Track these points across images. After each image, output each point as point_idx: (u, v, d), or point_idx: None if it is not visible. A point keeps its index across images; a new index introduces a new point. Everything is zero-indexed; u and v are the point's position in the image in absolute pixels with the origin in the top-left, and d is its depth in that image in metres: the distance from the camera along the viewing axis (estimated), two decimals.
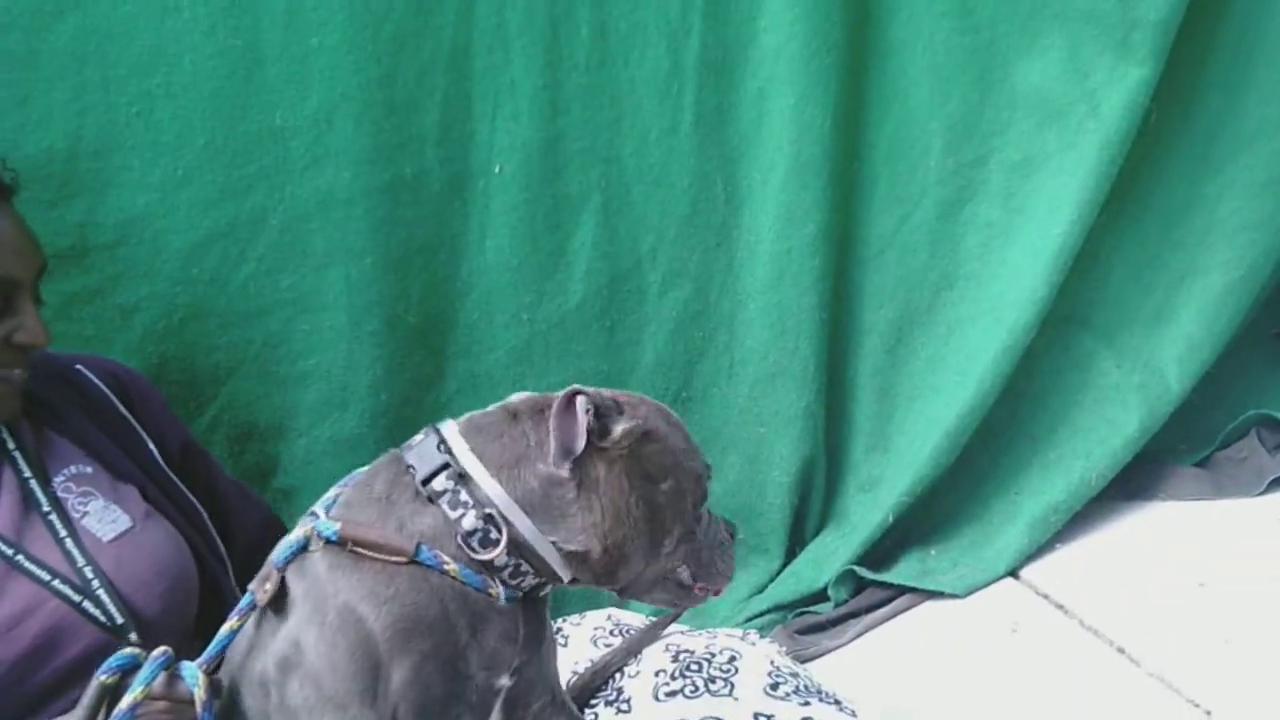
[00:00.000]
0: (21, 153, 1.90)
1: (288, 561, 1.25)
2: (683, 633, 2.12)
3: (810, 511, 2.57)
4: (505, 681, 1.31)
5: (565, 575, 1.28)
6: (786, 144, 2.29)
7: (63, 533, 1.59)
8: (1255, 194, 2.54)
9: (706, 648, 1.99)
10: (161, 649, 1.29)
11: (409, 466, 1.27)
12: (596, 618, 2.24)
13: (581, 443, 1.22)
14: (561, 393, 1.24)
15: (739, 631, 2.20)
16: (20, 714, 1.53)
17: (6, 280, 1.48)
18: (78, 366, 1.75)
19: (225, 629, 1.30)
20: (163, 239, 2.02)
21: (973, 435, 2.46)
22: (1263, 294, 2.70)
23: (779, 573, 2.54)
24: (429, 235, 2.17)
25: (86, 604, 1.56)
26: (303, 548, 1.24)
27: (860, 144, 2.38)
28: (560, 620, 2.25)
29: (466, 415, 1.33)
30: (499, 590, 1.25)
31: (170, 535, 1.68)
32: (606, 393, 1.32)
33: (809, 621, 2.43)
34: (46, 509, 1.60)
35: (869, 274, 2.46)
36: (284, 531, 1.85)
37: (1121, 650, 2.23)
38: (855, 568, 2.46)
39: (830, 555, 2.50)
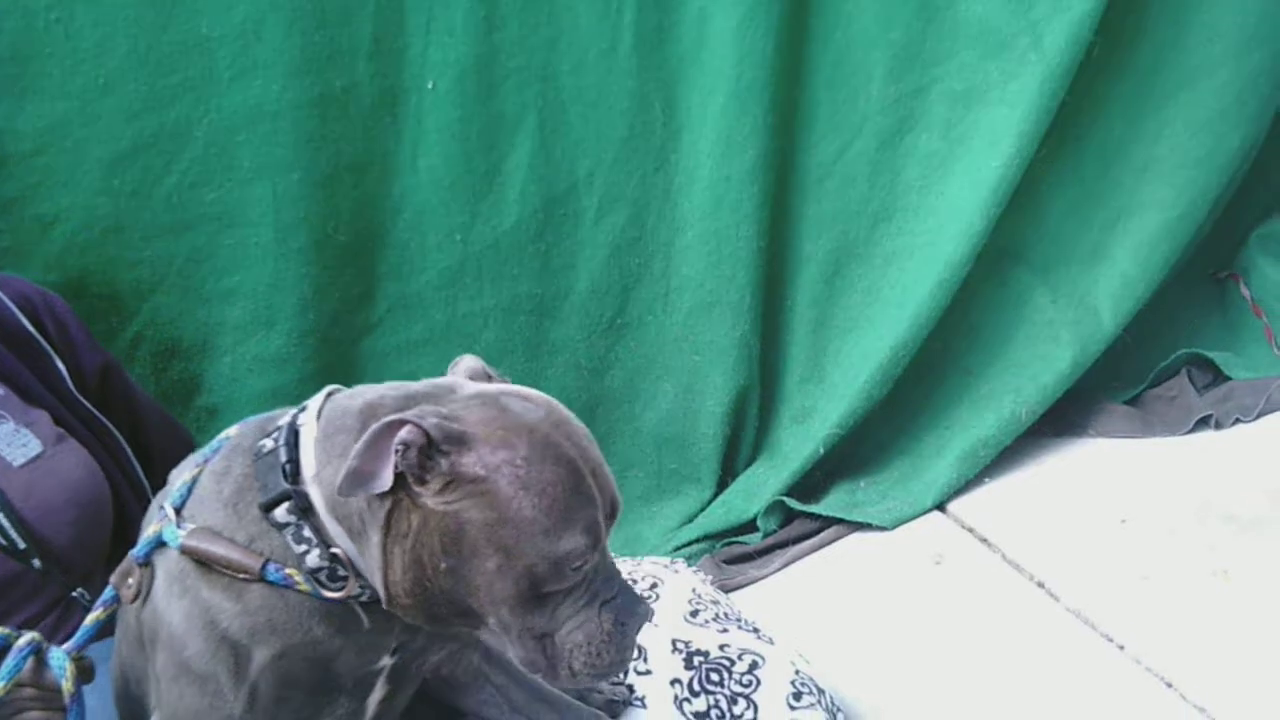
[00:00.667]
0: None
1: (147, 557, 1.21)
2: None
3: (743, 442, 2.57)
4: (386, 661, 1.27)
5: (395, 612, 1.17)
6: (727, 67, 2.25)
7: None
8: (1194, 132, 2.54)
9: (629, 574, 2.01)
10: (28, 637, 1.26)
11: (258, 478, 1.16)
12: None
13: (378, 485, 1.05)
14: (389, 417, 1.04)
15: (665, 560, 2.22)
16: None
17: None
18: None
19: (91, 619, 1.28)
20: (84, 149, 1.96)
21: (906, 368, 2.46)
22: (1199, 234, 2.71)
23: (709, 502, 2.55)
24: (359, 152, 2.12)
25: None
26: (159, 543, 1.20)
27: (802, 70, 2.34)
28: None
29: (333, 400, 1.19)
30: (364, 611, 1.18)
31: (83, 460, 1.64)
32: (471, 419, 1.08)
33: (736, 551, 2.44)
34: None
35: (808, 203, 2.44)
36: None
37: (1041, 585, 2.26)
38: (785, 499, 2.47)
39: (761, 486, 2.51)
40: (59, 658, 1.26)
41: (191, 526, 1.17)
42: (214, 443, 1.26)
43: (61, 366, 1.71)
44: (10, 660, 1.23)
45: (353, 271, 2.19)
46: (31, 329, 1.69)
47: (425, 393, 1.16)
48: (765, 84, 2.27)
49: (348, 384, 2.21)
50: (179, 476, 1.24)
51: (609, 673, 1.16)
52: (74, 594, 1.63)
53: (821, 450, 2.47)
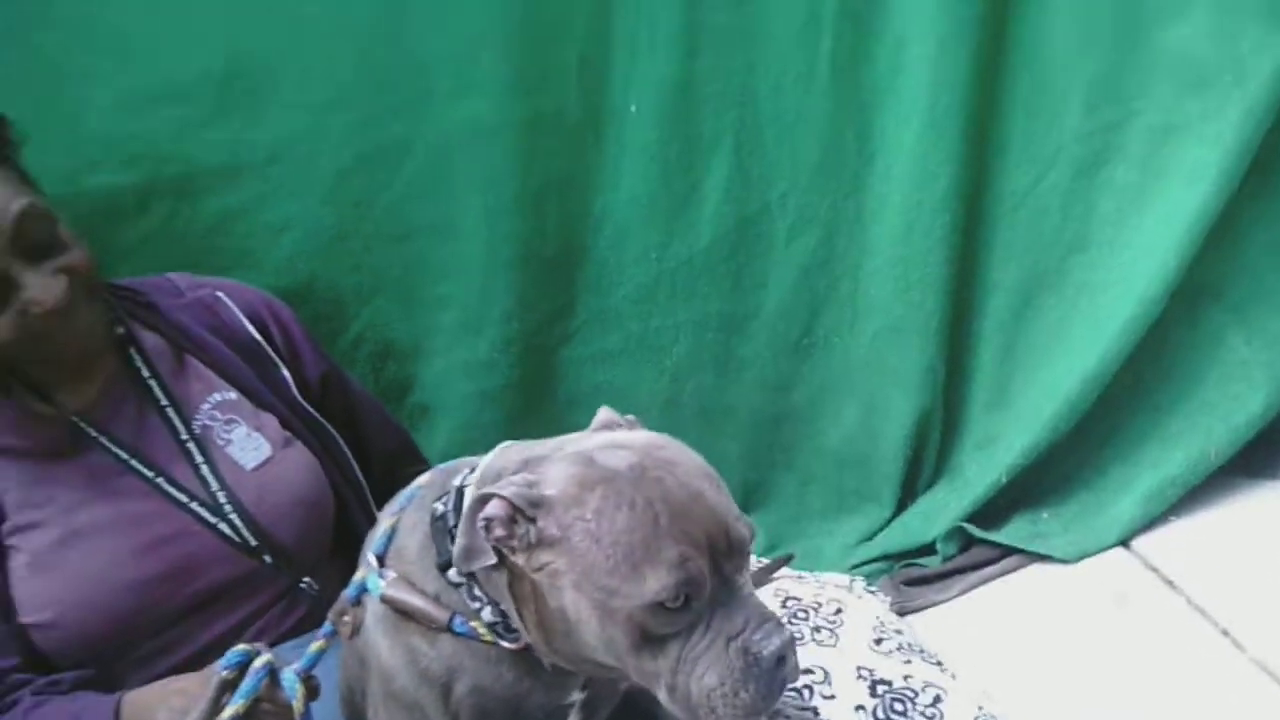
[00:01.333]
0: (178, 70, 2.04)
1: (356, 599, 1.33)
2: (793, 579, 2.17)
3: (924, 465, 2.58)
4: (576, 696, 1.34)
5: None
6: (924, 95, 2.27)
7: (199, 459, 1.69)
8: None
9: (814, 597, 2.05)
10: (263, 659, 1.37)
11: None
12: None
13: (483, 559, 1.11)
14: (482, 491, 1.11)
15: (846, 580, 2.25)
16: (163, 628, 1.65)
17: None
18: (219, 295, 1.83)
19: (314, 647, 1.39)
20: (312, 160, 2.12)
21: (1094, 402, 2.42)
22: None
23: (888, 522, 2.57)
24: (566, 169, 2.23)
25: (223, 527, 1.66)
26: (364, 590, 1.32)
27: (998, 98, 2.34)
28: None
29: (486, 463, 1.23)
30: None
31: (308, 463, 1.77)
32: (555, 478, 1.11)
33: (915, 574, 2.45)
34: (184, 437, 1.70)
35: (999, 232, 2.43)
36: (419, 457, 1.96)
37: (1226, 633, 2.18)
38: (965, 524, 2.46)
39: (941, 510, 2.51)
40: (290, 679, 1.38)
41: (391, 576, 1.29)
42: (409, 489, 1.37)
43: (286, 373, 1.84)
44: (249, 680, 1.35)
45: (555, 284, 2.30)
46: (258, 337, 1.83)
47: (543, 455, 1.17)
48: (960, 111, 2.28)
49: (546, 391, 2.35)
50: (382, 521, 1.35)
51: (759, 710, 1.10)
52: (301, 585, 1.75)
53: (1004, 478, 2.45)
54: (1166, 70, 2.32)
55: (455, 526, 1.18)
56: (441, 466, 1.36)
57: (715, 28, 2.19)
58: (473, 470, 1.24)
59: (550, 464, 1.14)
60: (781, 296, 2.40)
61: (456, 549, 1.12)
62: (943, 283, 2.40)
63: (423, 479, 1.37)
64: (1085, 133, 2.35)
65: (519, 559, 1.12)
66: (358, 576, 1.34)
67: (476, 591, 1.21)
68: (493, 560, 1.11)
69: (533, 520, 1.10)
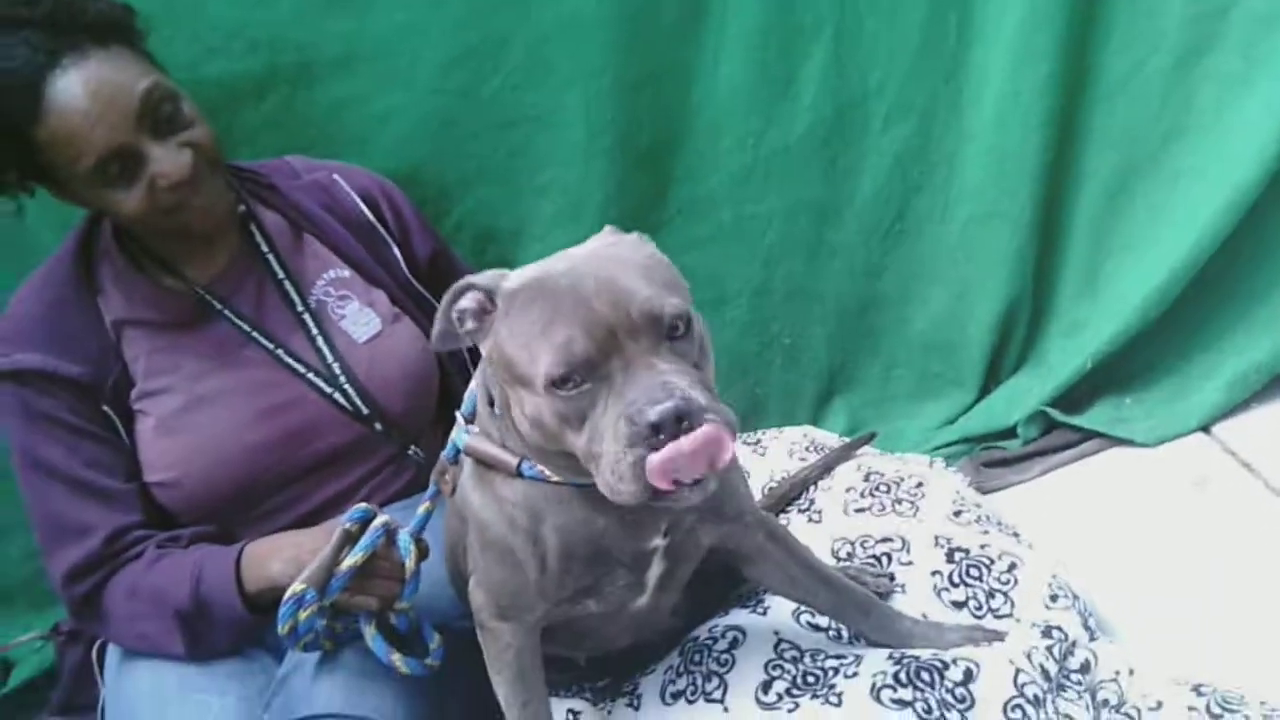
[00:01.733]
0: None
1: (454, 459, 1.44)
2: (876, 456, 2.25)
3: (1009, 350, 2.62)
4: (658, 542, 1.43)
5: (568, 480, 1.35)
6: None
7: (314, 331, 1.79)
8: None
9: (896, 471, 2.13)
10: (383, 519, 1.49)
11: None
12: (793, 433, 2.40)
13: (449, 336, 1.27)
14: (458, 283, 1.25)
15: (927, 459, 2.32)
16: (280, 488, 1.78)
17: (113, 151, 1.54)
18: (335, 177, 1.92)
19: (422, 509, 1.52)
20: (419, 53, 2.17)
21: (1184, 289, 2.43)
22: None
23: (971, 406, 2.63)
24: (664, 59, 2.25)
25: (337, 396, 1.77)
26: (456, 448, 1.42)
27: None
28: (760, 432, 2.41)
29: None
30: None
31: (415, 337, 1.87)
32: (509, 285, 1.23)
33: (996, 456, 2.51)
34: (300, 309, 1.80)
35: (1097, 118, 2.41)
36: None
37: None
38: (1047, 409, 2.51)
39: (1024, 394, 2.56)
40: (405, 539, 1.52)
41: (475, 431, 1.39)
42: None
43: (397, 252, 1.93)
44: (368, 536, 1.48)
45: (651, 172, 2.34)
46: (371, 217, 1.92)
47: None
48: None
49: None
50: (471, 386, 1.45)
51: (658, 475, 1.12)
52: (409, 452, 1.87)
53: (1089, 365, 2.49)
54: None
55: None
56: None
57: None
58: None
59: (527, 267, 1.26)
60: (875, 184, 2.43)
61: (433, 333, 1.26)
62: (1038, 170, 2.41)
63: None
64: (1188, 19, 2.31)
65: (484, 347, 1.25)
66: (453, 436, 1.44)
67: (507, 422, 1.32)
68: (464, 345, 1.25)
69: (494, 308, 1.24)
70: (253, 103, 2.13)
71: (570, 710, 1.78)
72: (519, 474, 1.34)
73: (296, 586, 1.46)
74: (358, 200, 1.92)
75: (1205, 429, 2.49)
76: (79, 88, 1.50)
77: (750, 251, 2.44)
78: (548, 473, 1.33)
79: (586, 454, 1.18)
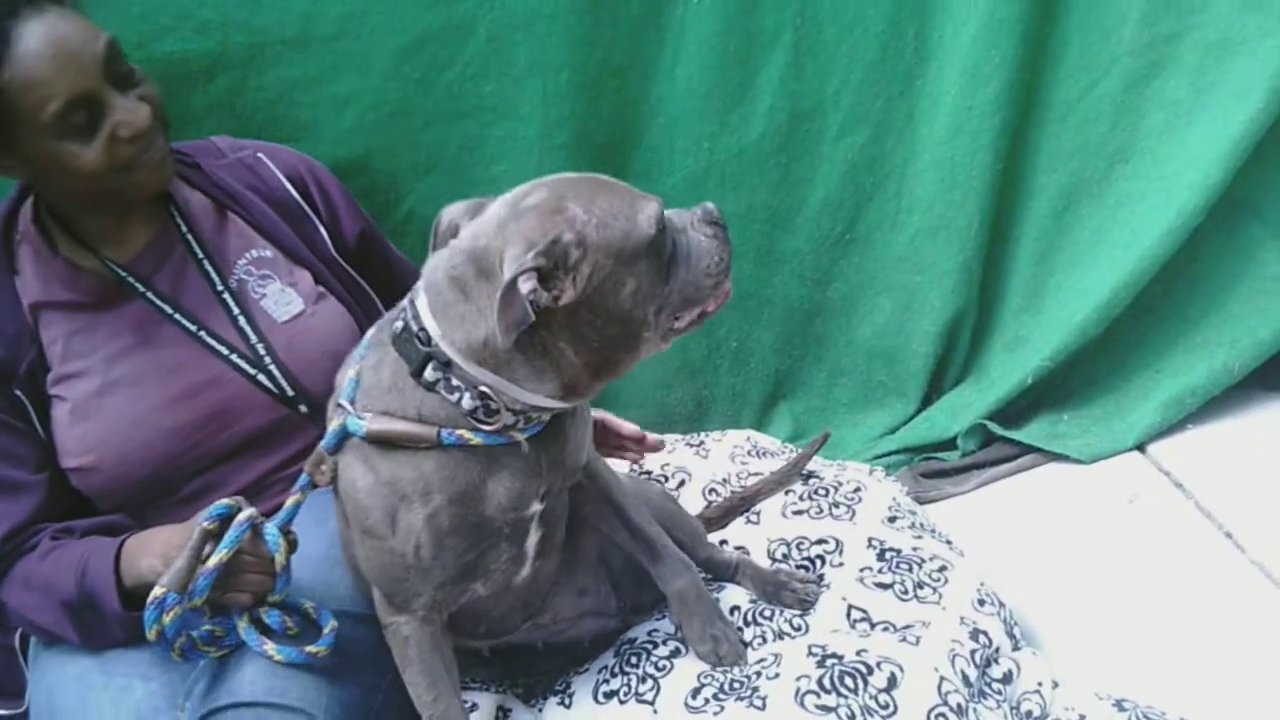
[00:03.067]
0: None
1: (335, 449, 1.42)
2: (817, 462, 2.27)
3: (953, 362, 2.66)
4: (536, 508, 1.47)
5: (570, 405, 1.40)
6: (983, 0, 2.29)
7: (236, 311, 1.76)
8: None
9: (835, 477, 2.15)
10: (247, 513, 1.46)
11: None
12: (736, 436, 2.41)
13: (524, 324, 1.25)
14: (506, 279, 1.24)
15: (867, 467, 2.34)
16: (197, 474, 1.74)
17: (77, 97, 1.53)
18: (260, 155, 1.89)
19: (291, 501, 1.49)
20: (378, 36, 2.15)
21: (1123, 310, 2.48)
22: None
23: (913, 417, 2.66)
24: (624, 57, 2.26)
25: (260, 377, 1.74)
26: (345, 434, 1.40)
27: (1056, 6, 2.36)
28: (703, 434, 2.42)
29: (426, 275, 1.38)
30: (521, 435, 1.39)
31: (339, 316, 1.84)
32: (536, 230, 1.29)
33: (934, 467, 2.55)
34: (221, 289, 1.77)
35: (1047, 138, 2.46)
36: None
37: (1229, 535, 2.27)
38: (987, 422, 2.55)
39: (965, 407, 2.60)
40: (273, 533, 1.48)
41: (370, 414, 1.38)
42: (361, 344, 1.46)
43: (323, 231, 1.90)
44: (232, 532, 1.44)
45: (606, 169, 2.23)
46: (297, 196, 1.89)
47: (485, 244, 1.32)
48: (1019, 18, 2.30)
49: None
50: (343, 376, 1.45)
51: (728, 263, 1.42)
52: None
53: (1030, 379, 2.54)
54: None
55: (420, 330, 1.34)
56: (379, 320, 1.48)
57: None
58: (415, 290, 1.39)
59: (510, 233, 1.31)
60: (827, 192, 2.45)
61: (501, 330, 1.25)
62: (986, 185, 2.45)
63: (367, 336, 1.47)
64: (1141, 44, 2.37)
65: (569, 296, 1.29)
66: (333, 425, 1.42)
67: (454, 381, 1.33)
68: (531, 319, 1.25)
69: (555, 266, 1.28)
70: (202, 84, 2.11)
71: (501, 707, 1.78)
72: (439, 442, 1.35)
73: (157, 590, 1.43)
74: (283, 179, 1.89)
75: (1140, 448, 2.54)
76: (42, 35, 1.50)
77: None
78: (468, 435, 1.34)
79: (685, 286, 1.38)
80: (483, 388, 1.33)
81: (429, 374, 1.34)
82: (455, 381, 1.33)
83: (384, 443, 1.37)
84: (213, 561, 1.43)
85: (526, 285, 1.24)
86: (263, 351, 1.76)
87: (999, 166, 2.44)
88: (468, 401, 1.33)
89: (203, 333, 1.74)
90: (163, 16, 2.05)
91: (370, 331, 1.47)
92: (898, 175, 2.47)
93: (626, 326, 1.35)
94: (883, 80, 2.36)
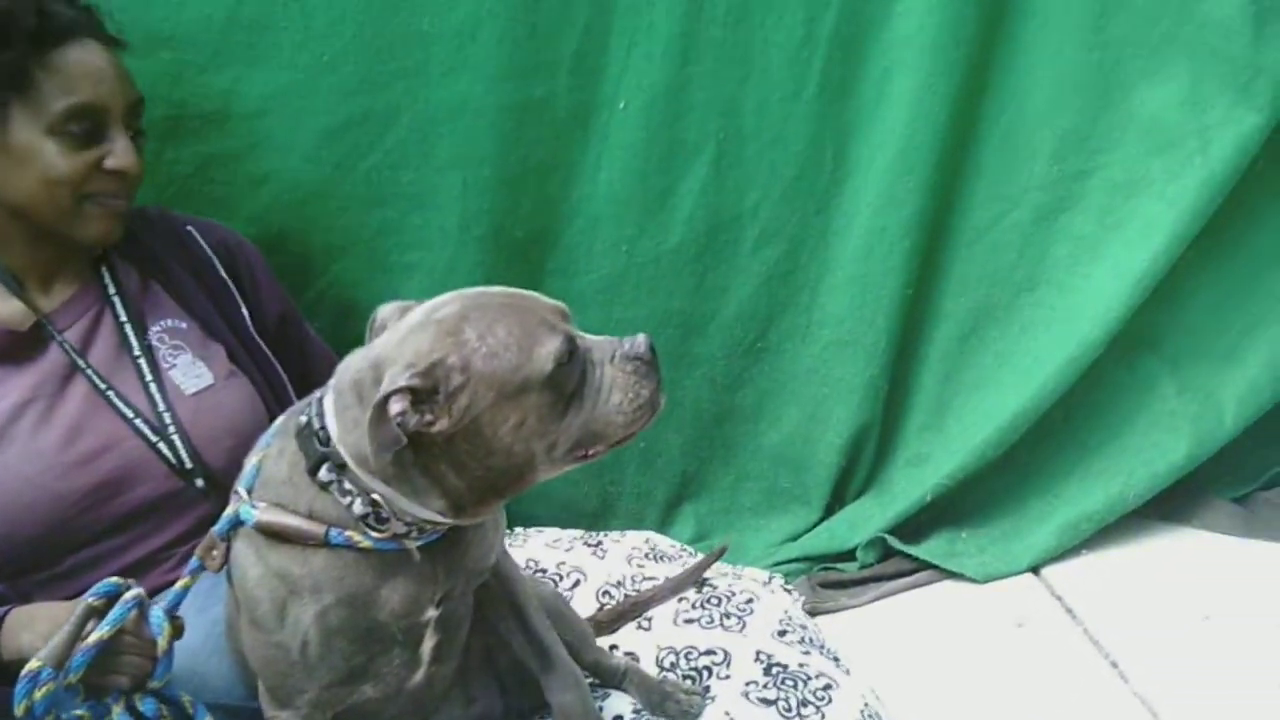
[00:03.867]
0: (182, 15, 2.04)
1: (227, 535, 1.39)
2: (713, 571, 2.27)
3: (856, 475, 2.69)
4: (431, 614, 1.43)
5: (463, 523, 1.36)
6: (900, 126, 2.35)
7: (149, 377, 1.74)
8: None
9: (729, 586, 2.14)
10: (134, 592, 1.42)
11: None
12: (635, 538, 2.40)
13: (395, 446, 1.21)
14: (376, 398, 1.20)
15: (765, 575, 2.35)
16: (84, 545, 1.69)
17: (94, 107, 1.63)
18: (189, 228, 1.90)
19: (180, 585, 1.45)
20: (301, 118, 2.14)
21: (1023, 434, 2.54)
22: None
23: (815, 525, 2.68)
24: (547, 156, 2.27)
25: (161, 445, 1.72)
26: (238, 521, 1.37)
27: (971, 138, 2.43)
28: (602, 534, 2.41)
29: (337, 374, 1.33)
30: (414, 544, 1.34)
31: (248, 396, 1.82)
32: (424, 348, 1.24)
33: (832, 577, 2.56)
34: (137, 353, 1.75)
35: (956, 263, 2.53)
36: None
37: (1115, 665, 2.32)
38: (887, 536, 2.58)
39: (866, 519, 2.62)
40: (158, 615, 1.44)
41: (263, 505, 1.35)
42: (270, 430, 1.43)
43: (244, 310, 1.89)
44: (117, 609, 1.40)
45: (523, 265, 2.34)
46: (223, 272, 1.89)
47: (384, 354, 1.29)
48: (934, 146, 2.37)
49: None
50: (248, 461, 1.41)
51: (658, 398, 1.33)
52: None
53: (929, 497, 2.58)
54: (1136, 130, 2.43)
55: (321, 429, 1.30)
56: (292, 407, 1.44)
57: (712, 39, 2.24)
58: (327, 387, 1.35)
59: (405, 347, 1.27)
60: (741, 301, 2.48)
61: (373, 453, 1.22)
62: (896, 305, 2.50)
63: (277, 422, 1.44)
64: (1050, 180, 2.45)
65: (443, 424, 1.24)
66: (228, 512, 1.39)
67: (347, 485, 1.29)
68: (404, 443, 1.21)
69: (433, 390, 1.23)
70: None
71: None
72: (326, 542, 1.31)
73: (33, 663, 1.37)
74: (210, 254, 1.89)
75: (1035, 570, 2.58)
76: (95, 52, 1.67)
77: None
78: (357, 538, 1.31)
79: (591, 422, 1.29)
80: (374, 495, 1.29)
81: (323, 474, 1.30)
82: (348, 485, 1.30)
83: (273, 535, 1.34)
84: (93, 638, 1.38)
85: (396, 407, 1.20)
86: (168, 420, 1.73)
87: (909, 288, 2.50)
88: (359, 507, 1.30)
89: (110, 392, 1.71)
90: None
91: (280, 419, 1.44)
92: (810, 289, 2.51)
93: (509, 459, 1.29)
94: (800, 197, 2.41)
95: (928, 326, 2.59)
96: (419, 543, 1.34)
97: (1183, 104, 2.37)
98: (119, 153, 1.66)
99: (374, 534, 1.31)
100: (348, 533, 1.31)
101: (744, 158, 2.35)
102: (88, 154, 1.63)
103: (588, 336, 1.34)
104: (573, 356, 1.28)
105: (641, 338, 1.34)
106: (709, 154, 2.33)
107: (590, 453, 1.34)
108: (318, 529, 1.31)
